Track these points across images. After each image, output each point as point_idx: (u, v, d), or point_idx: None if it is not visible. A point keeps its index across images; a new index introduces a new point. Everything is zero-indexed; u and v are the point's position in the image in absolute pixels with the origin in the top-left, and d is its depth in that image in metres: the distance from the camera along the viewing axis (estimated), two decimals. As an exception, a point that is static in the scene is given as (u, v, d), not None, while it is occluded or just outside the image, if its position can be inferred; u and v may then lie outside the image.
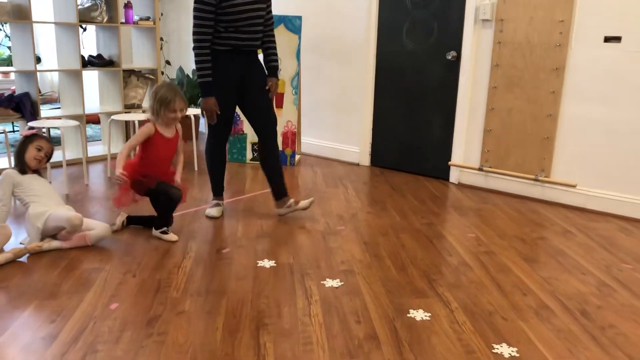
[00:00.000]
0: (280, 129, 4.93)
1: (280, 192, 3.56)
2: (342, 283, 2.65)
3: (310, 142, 5.42)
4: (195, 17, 3.18)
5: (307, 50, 5.15)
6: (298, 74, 4.90)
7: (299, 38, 4.86)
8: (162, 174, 3.16)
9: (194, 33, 3.19)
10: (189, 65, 6.46)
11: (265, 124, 3.49)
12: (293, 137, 4.95)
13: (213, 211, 3.55)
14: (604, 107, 3.75)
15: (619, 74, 3.66)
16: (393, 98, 4.85)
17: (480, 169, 4.36)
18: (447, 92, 4.48)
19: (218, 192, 3.65)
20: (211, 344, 2.10)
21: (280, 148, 4.94)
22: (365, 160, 5.12)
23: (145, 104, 2.86)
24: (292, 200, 3.55)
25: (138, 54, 5.46)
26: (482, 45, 4.22)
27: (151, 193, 3.14)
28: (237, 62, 3.32)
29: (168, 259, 2.87)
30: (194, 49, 3.22)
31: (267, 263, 2.85)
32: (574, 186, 3.94)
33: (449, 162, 4.54)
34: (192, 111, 4.95)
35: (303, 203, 3.55)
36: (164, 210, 3.16)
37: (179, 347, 2.07)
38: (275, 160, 3.56)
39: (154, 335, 2.14)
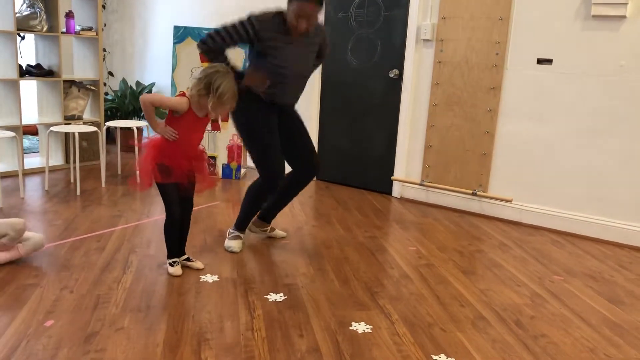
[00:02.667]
0: (225, 142, 4.93)
1: (268, 216, 3.41)
2: (286, 297, 2.66)
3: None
4: (223, 28, 2.89)
5: (253, 65, 5.16)
6: (244, 88, 4.91)
7: (245, 52, 4.87)
8: (188, 157, 2.73)
9: (210, 36, 2.89)
10: (133, 77, 6.37)
11: (310, 159, 3.23)
12: (239, 150, 4.94)
13: (234, 244, 3.22)
14: (537, 125, 3.94)
15: (550, 94, 3.86)
16: (338, 114, 4.93)
17: (421, 184, 4.48)
18: (390, 108, 4.59)
19: (244, 226, 3.33)
20: (151, 360, 2.07)
21: (226, 162, 4.94)
22: (311, 174, 5.16)
23: (187, 81, 2.51)
24: (269, 227, 3.45)
25: (79, 65, 5.34)
26: (423, 64, 4.36)
27: (160, 191, 2.76)
28: (270, 109, 3.07)
29: (107, 274, 2.80)
30: (203, 43, 2.92)
31: (210, 278, 2.83)
32: (509, 201, 4.11)
33: (392, 177, 4.64)
34: (135, 123, 4.87)
35: (278, 232, 3.49)
36: (166, 230, 2.84)
37: (118, 365, 2.03)
38: (294, 195, 3.37)
39: (92, 353, 2.09)
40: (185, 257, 2.94)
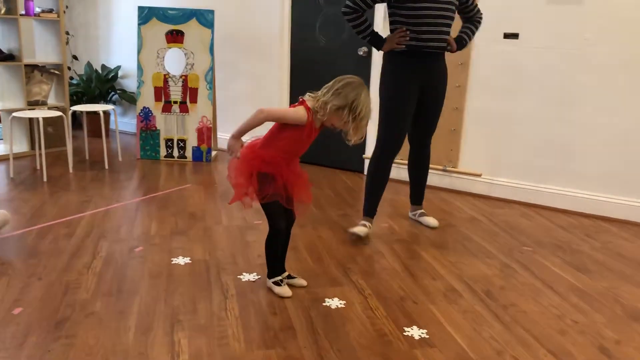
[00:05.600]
0: (194, 124, 4.87)
1: (414, 197, 3.58)
2: (259, 277, 2.66)
3: (227, 137, 5.36)
4: None
5: (221, 45, 5.09)
6: (212, 68, 4.85)
7: (212, 32, 4.80)
8: (289, 170, 2.43)
9: (347, 5, 3.02)
10: (98, 60, 6.23)
11: (427, 133, 3.40)
12: (208, 132, 4.89)
13: (358, 229, 3.16)
14: (505, 99, 3.97)
15: (517, 68, 3.90)
16: (309, 93, 4.89)
17: (393, 161, 4.49)
18: (360, 86, 4.57)
19: (371, 212, 3.26)
20: (123, 344, 2.05)
21: (196, 144, 4.88)
22: (283, 155, 5.14)
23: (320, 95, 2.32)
24: (420, 211, 3.53)
25: (41, 48, 5.18)
26: (392, 41, 4.34)
27: (263, 207, 2.43)
28: (417, 67, 3.09)
29: (77, 260, 2.76)
30: (346, 7, 3.03)
31: (181, 260, 2.81)
32: (479, 175, 4.16)
33: (363, 155, 4.65)
34: (102, 107, 4.78)
35: (428, 220, 3.46)
36: (269, 247, 2.50)
37: (89, 349, 2.01)
38: (426, 169, 3.54)
39: (62, 339, 2.06)
40: (286, 274, 2.57)
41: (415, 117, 3.26)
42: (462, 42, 3.20)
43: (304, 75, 4.89)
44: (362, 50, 4.51)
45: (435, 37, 3.02)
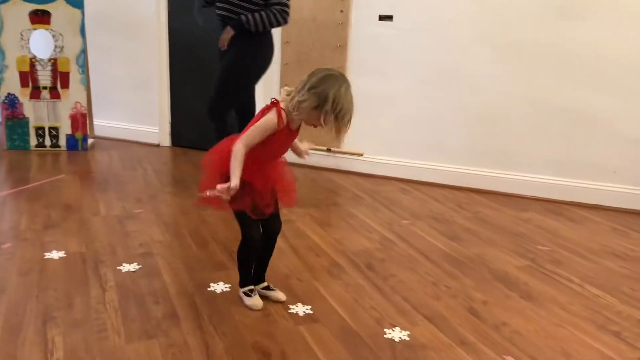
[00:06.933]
0: (67, 111, 4.59)
1: None
2: (140, 266, 2.58)
3: (105, 124, 5.11)
4: None
5: (93, 27, 4.81)
6: (84, 51, 4.57)
7: (82, 13, 4.52)
8: (268, 175, 2.20)
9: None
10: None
11: (217, 97, 3.57)
12: (83, 119, 4.62)
13: None
14: (382, 80, 4.12)
15: (392, 50, 4.05)
16: (190, 75, 4.78)
17: (278, 143, 4.51)
18: (242, 69, 4.53)
19: None
20: (-11, 347, 1.91)
21: (70, 132, 4.61)
22: (166, 140, 5.00)
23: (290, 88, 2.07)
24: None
25: None
26: (272, 23, 4.34)
27: (232, 209, 2.19)
28: (219, 33, 3.49)
29: None
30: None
31: (55, 254, 2.65)
32: (361, 155, 4.29)
33: (249, 138, 4.62)
34: (-42, 95, 4.36)
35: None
36: (240, 256, 2.29)
37: (-52, 356, 1.85)
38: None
39: None
40: (264, 284, 2.37)
41: None
42: (240, 18, 3.36)
43: (185, 58, 4.75)
44: (242, 32, 4.45)
45: (222, 7, 3.42)
